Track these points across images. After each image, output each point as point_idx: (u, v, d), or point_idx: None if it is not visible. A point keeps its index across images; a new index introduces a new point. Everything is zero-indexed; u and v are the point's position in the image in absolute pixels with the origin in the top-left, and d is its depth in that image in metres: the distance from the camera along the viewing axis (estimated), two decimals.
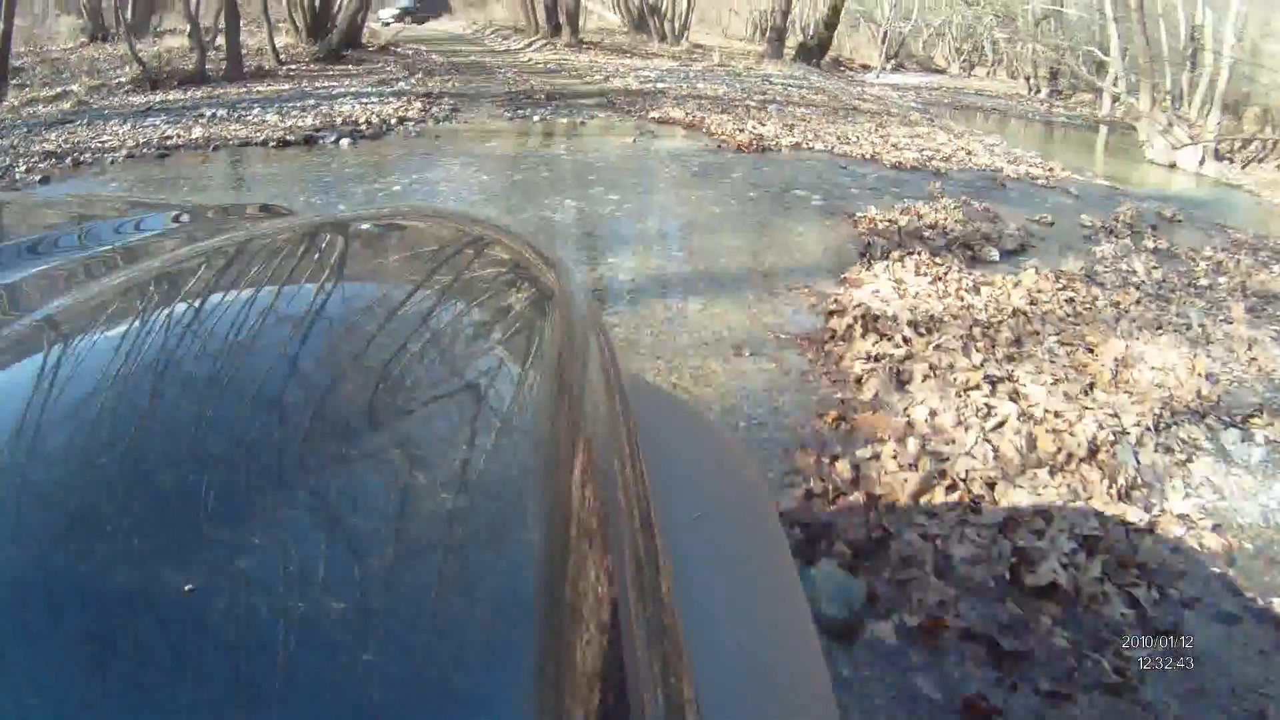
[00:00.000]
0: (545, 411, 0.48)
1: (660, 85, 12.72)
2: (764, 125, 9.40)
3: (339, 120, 8.54)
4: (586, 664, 0.34)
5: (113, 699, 0.27)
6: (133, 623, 0.29)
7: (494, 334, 0.57)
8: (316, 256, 0.69)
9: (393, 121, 8.62)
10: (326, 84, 11.79)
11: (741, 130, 8.91)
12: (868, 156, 7.89)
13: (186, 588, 0.30)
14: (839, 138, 8.93)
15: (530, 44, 19.65)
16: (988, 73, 26.54)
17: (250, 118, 8.69)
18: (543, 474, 0.42)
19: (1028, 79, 21.93)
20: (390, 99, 10.10)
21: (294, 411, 0.43)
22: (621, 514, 0.47)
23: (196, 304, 0.55)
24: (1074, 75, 18.90)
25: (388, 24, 29.68)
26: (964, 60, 27.38)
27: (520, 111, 9.72)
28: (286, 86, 11.55)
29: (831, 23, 20.24)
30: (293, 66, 14.12)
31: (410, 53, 16.92)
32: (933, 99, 17.16)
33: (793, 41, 21.29)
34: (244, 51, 13.28)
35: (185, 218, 0.94)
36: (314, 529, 0.35)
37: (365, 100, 9.98)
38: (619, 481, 0.50)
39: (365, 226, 0.81)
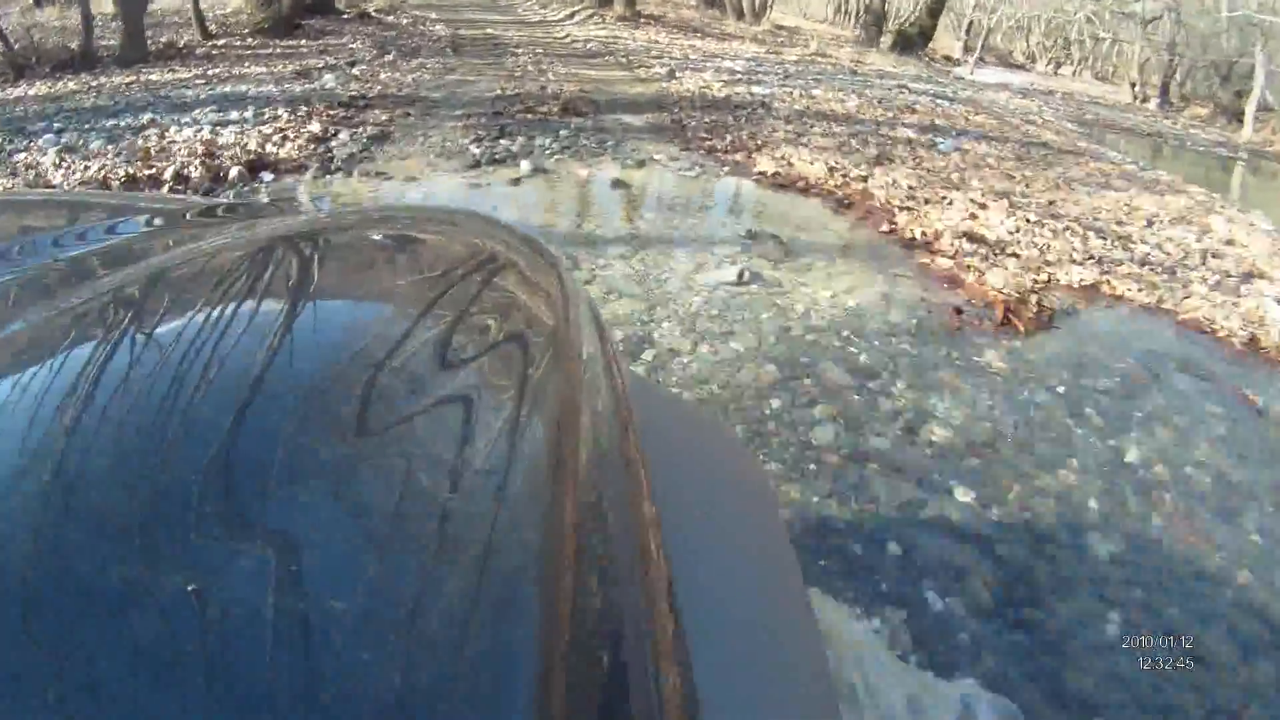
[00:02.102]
0: (546, 411, 0.48)
1: (756, 90, 7.98)
2: (980, 202, 4.72)
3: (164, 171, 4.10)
4: (587, 664, 0.34)
5: (113, 699, 0.27)
6: (135, 623, 0.29)
7: (494, 333, 0.56)
8: (316, 255, 0.68)
9: (232, 172, 4.15)
10: (236, 73, 7.41)
11: (945, 214, 4.27)
12: (1220, 328, 3.27)
13: (190, 587, 0.29)
14: (1107, 234, 4.44)
15: (573, 14, 14.98)
16: (1074, 72, 25.03)
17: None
18: (543, 473, 0.42)
19: (1133, 85, 20.22)
20: (283, 111, 5.61)
21: (291, 410, 0.42)
22: (623, 513, 0.47)
23: (197, 303, 0.54)
24: (1196, 88, 15.85)
25: None
26: (1050, 58, 25.62)
27: (503, 144, 5.15)
28: (184, 75, 7.26)
29: (936, 9, 17.83)
30: (221, 44, 9.80)
31: (406, 23, 12.43)
32: (1070, 113, 13.24)
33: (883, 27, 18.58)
34: (171, 22, 9.18)
35: (188, 215, 0.92)
36: (313, 529, 0.34)
37: (239, 110, 5.52)
38: (621, 480, 0.49)
39: (366, 224, 0.81)
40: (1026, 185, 5.57)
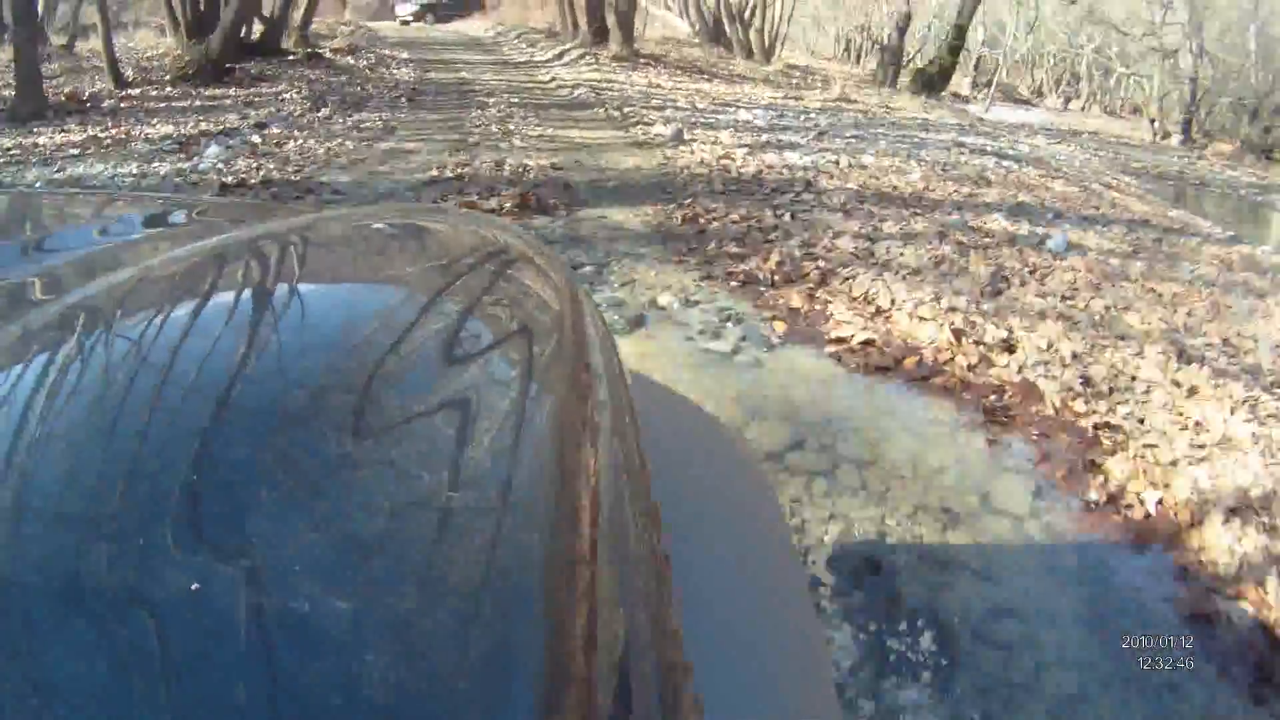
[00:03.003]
0: (546, 410, 0.48)
1: (791, 157, 6.09)
2: (1175, 379, 2.76)
3: None
4: (586, 664, 0.33)
5: (114, 700, 0.26)
6: (136, 622, 0.29)
7: (494, 332, 0.57)
8: (317, 254, 0.69)
9: None
10: (133, 133, 5.58)
11: (1169, 437, 2.23)
12: None
13: (193, 586, 0.29)
14: None
15: (561, 54, 13.20)
16: (1083, 107, 24.39)
17: None
18: (543, 473, 0.42)
19: (1152, 122, 19.55)
20: None
21: (290, 410, 0.42)
22: (623, 512, 0.47)
23: (199, 302, 0.54)
24: (1220, 124, 17.47)
25: (407, 22, 24.06)
26: (1060, 93, 25.35)
27: None
28: (76, 138, 5.64)
29: (956, 46, 16.76)
30: (136, 93, 8.06)
31: (365, 65, 10.63)
32: (1113, 160, 12.14)
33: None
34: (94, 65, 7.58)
35: (190, 214, 0.92)
36: (312, 528, 0.34)
37: None
38: (621, 479, 0.49)
39: (367, 223, 0.82)
40: (1185, 312, 3.68)
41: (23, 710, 0.25)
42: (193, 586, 0.29)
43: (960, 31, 16.50)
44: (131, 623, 0.29)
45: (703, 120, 7.75)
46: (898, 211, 4.71)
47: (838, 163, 6.06)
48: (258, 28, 10.38)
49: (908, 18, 19.18)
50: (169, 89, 8.37)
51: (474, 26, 20.56)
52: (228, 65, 8.96)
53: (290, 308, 0.54)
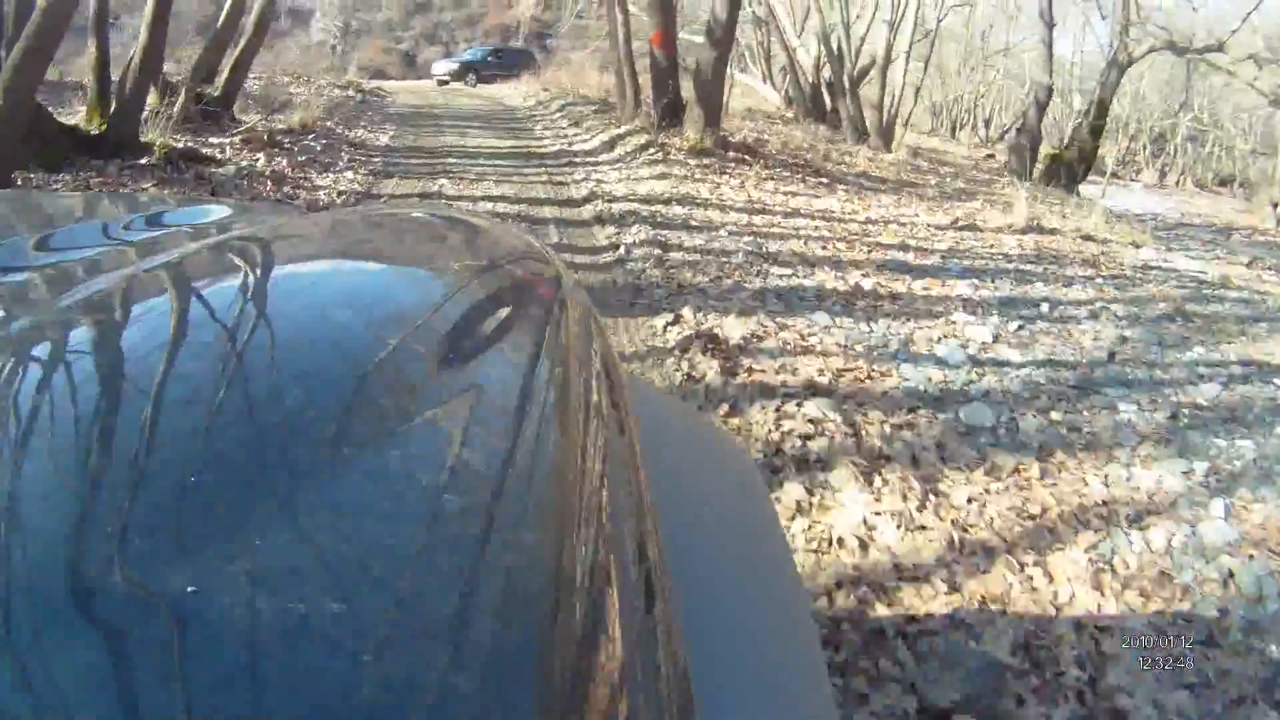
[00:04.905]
0: (544, 411, 0.48)
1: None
2: None
3: None
4: (584, 664, 0.34)
5: (114, 699, 0.26)
6: (136, 622, 0.29)
7: (493, 332, 0.57)
8: (319, 254, 0.69)
9: None
10: None
11: None
12: None
13: (189, 588, 0.29)
14: None
15: (614, 141, 9.05)
16: (1177, 182, 22.90)
17: None
18: (541, 474, 0.42)
19: (1275, 206, 17.67)
20: None
21: (293, 410, 0.42)
22: (620, 514, 0.47)
23: (200, 302, 0.55)
24: None
25: (444, 82, 20.61)
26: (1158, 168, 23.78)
27: None
28: None
29: (1098, 126, 14.39)
30: None
31: (277, 170, 6.56)
32: None
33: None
34: None
35: (193, 215, 0.93)
36: (311, 528, 0.34)
37: None
38: (618, 481, 0.49)
39: (368, 223, 0.81)
40: None
41: (22, 710, 0.25)
42: (189, 588, 0.29)
43: (1103, 108, 13.95)
44: (130, 622, 0.28)
45: (893, 335, 3.39)
46: None
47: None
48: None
49: (1049, 91, 15.08)
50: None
51: (514, 92, 16.80)
52: (124, 159, 5.03)
53: (289, 308, 0.55)
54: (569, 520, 0.39)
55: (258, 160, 6.14)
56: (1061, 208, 9.23)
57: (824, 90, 15.73)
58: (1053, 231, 7.23)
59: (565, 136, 10.08)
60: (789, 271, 4.54)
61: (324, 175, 6.19)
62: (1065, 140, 15.04)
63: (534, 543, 0.36)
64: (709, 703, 0.45)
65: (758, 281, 4.25)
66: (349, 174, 6.37)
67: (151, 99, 6.94)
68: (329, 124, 8.68)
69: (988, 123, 27.34)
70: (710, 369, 2.95)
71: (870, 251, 5.45)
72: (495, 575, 0.34)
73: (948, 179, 11.22)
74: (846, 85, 13.89)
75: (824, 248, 5.35)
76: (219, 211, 0.93)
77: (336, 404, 0.43)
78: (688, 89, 9.01)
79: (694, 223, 5.55)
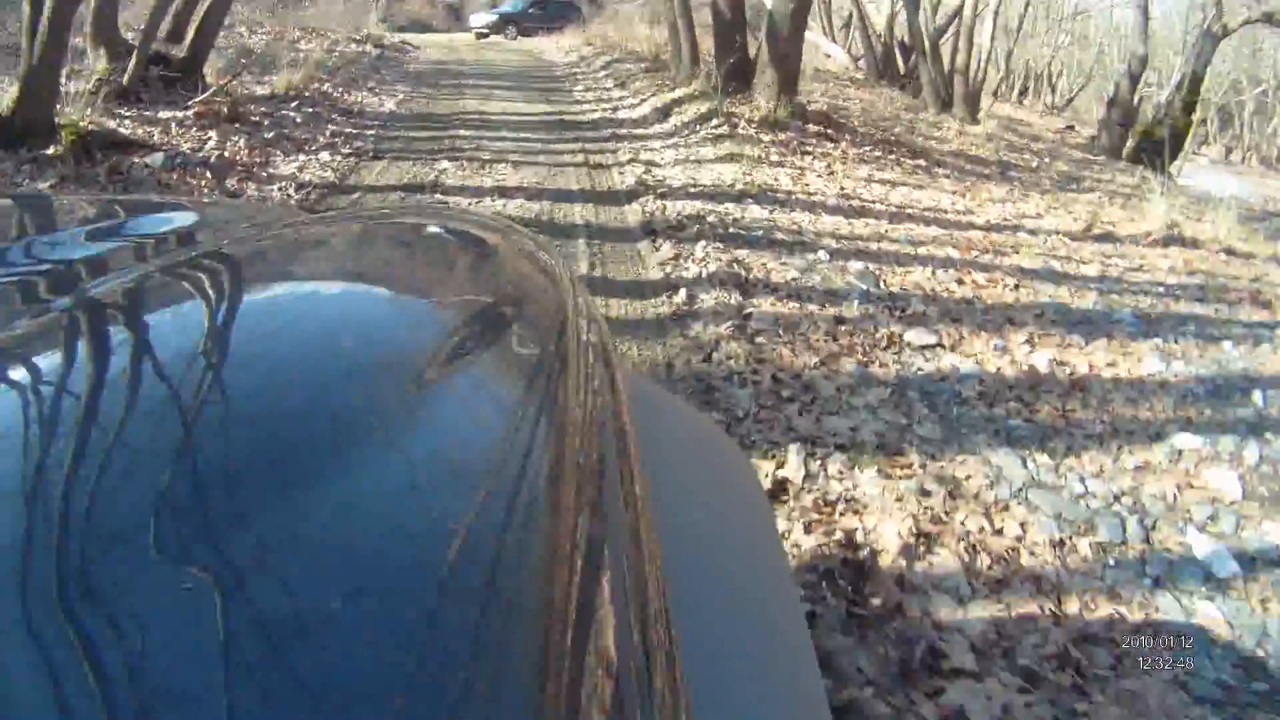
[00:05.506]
0: (544, 410, 0.48)
1: None
2: None
3: None
4: (580, 664, 0.33)
5: (113, 699, 0.26)
6: (134, 622, 0.28)
7: (493, 332, 0.56)
8: (321, 255, 0.69)
9: None
10: None
11: None
12: None
13: (185, 586, 0.29)
14: None
15: (667, 108, 7.43)
16: (1243, 159, 22.21)
17: None
18: (540, 473, 0.42)
19: None
20: None
21: (290, 409, 0.42)
22: (619, 514, 0.46)
23: (201, 303, 0.54)
24: None
25: (483, 34, 19.08)
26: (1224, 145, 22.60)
27: None
28: None
29: (1190, 101, 12.65)
30: None
31: (334, 118, 5.14)
32: None
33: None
34: None
35: (197, 216, 0.91)
36: (310, 528, 0.34)
37: None
38: (617, 481, 0.49)
39: (369, 224, 0.81)
40: None
41: (22, 710, 0.25)
42: (185, 586, 0.29)
43: (1196, 82, 12.47)
44: (129, 623, 0.28)
45: (1115, 499, 1.87)
46: None
47: None
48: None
49: (1143, 62, 13.46)
50: None
51: (555, 46, 15.10)
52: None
53: (288, 309, 0.54)
54: (565, 519, 0.39)
55: (208, 141, 4.70)
56: (1173, 198, 7.45)
57: (896, 50, 13.86)
58: (1194, 243, 5.57)
59: (609, 101, 8.47)
60: (929, 338, 2.98)
61: (291, 159, 4.73)
62: (1156, 116, 13.54)
63: (529, 542, 0.36)
64: (703, 699, 0.44)
65: (891, 363, 2.71)
66: (325, 155, 4.90)
67: (101, 66, 5.56)
68: (325, 87, 7.21)
69: (1053, 89, 25.69)
70: (865, 668, 1.42)
71: (1017, 287, 3.87)
72: (490, 575, 0.33)
73: (1045, 159, 9.41)
74: (927, 45, 11.99)
75: (959, 282, 3.77)
76: (221, 213, 0.91)
77: (332, 402, 0.43)
78: (766, 54, 7.31)
79: (780, 235, 3.98)
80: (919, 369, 2.77)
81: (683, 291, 3.02)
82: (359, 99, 7.18)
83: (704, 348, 2.59)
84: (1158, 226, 5.82)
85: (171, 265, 0.61)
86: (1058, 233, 5.33)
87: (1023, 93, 24.28)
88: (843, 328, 2.93)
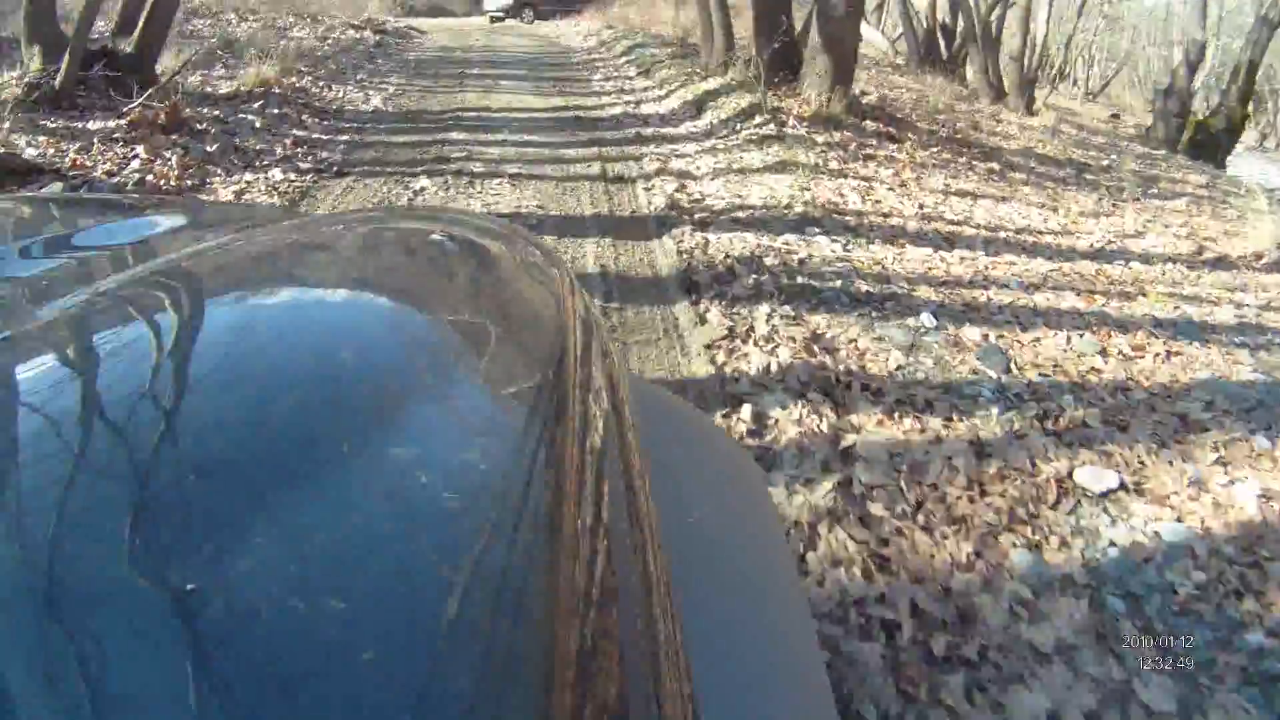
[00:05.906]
0: (545, 411, 0.47)
1: None
2: None
3: None
4: (584, 664, 0.33)
5: (112, 699, 0.26)
6: (137, 621, 0.28)
7: (494, 333, 0.56)
8: (320, 256, 0.68)
9: None
10: None
11: None
12: None
13: (188, 586, 0.29)
14: None
15: (700, 102, 6.36)
16: (1277, 145, 22.15)
17: None
18: (542, 474, 0.41)
19: None
20: None
21: (294, 410, 0.42)
22: (621, 514, 0.46)
23: (201, 303, 0.54)
24: None
25: (499, 19, 18.09)
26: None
27: None
28: None
29: (1246, 91, 11.96)
30: None
31: (303, 121, 4.17)
32: None
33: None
34: None
35: (196, 217, 0.90)
36: (309, 528, 0.34)
37: None
38: (619, 481, 0.49)
39: (369, 225, 0.80)
40: None
41: (22, 709, 0.25)
42: (188, 586, 0.29)
43: (1253, 71, 11.85)
44: (128, 622, 0.28)
45: None
46: None
47: None
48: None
49: (1202, 49, 12.97)
50: None
51: (574, 30, 14.01)
52: None
53: (288, 310, 0.54)
54: (568, 520, 0.38)
55: (133, 159, 3.73)
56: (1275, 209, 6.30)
57: (939, 34, 12.66)
58: None
59: (631, 92, 7.42)
60: (1107, 478, 1.93)
61: (232, 179, 3.74)
62: (1211, 107, 12.91)
63: (531, 543, 0.36)
64: (709, 701, 0.44)
65: (1071, 537, 1.70)
66: (276, 172, 3.90)
67: (35, 66, 4.61)
68: (304, 81, 6.22)
69: (1088, 74, 24.49)
70: None
71: (1169, 356, 2.80)
72: (491, 576, 0.33)
73: (1113, 156, 8.24)
74: (978, 30, 10.80)
75: (1103, 353, 2.73)
76: (221, 215, 0.89)
77: (334, 403, 0.42)
78: (817, 40, 6.21)
79: (862, 283, 2.95)
80: (1110, 544, 1.74)
81: (746, 408, 2.00)
82: (340, 95, 6.18)
83: (790, 537, 1.57)
84: (1268, 246, 4.71)
85: (164, 268, 0.60)
86: (1168, 259, 4.27)
87: (1058, 78, 23.12)
88: (988, 467, 1.90)
